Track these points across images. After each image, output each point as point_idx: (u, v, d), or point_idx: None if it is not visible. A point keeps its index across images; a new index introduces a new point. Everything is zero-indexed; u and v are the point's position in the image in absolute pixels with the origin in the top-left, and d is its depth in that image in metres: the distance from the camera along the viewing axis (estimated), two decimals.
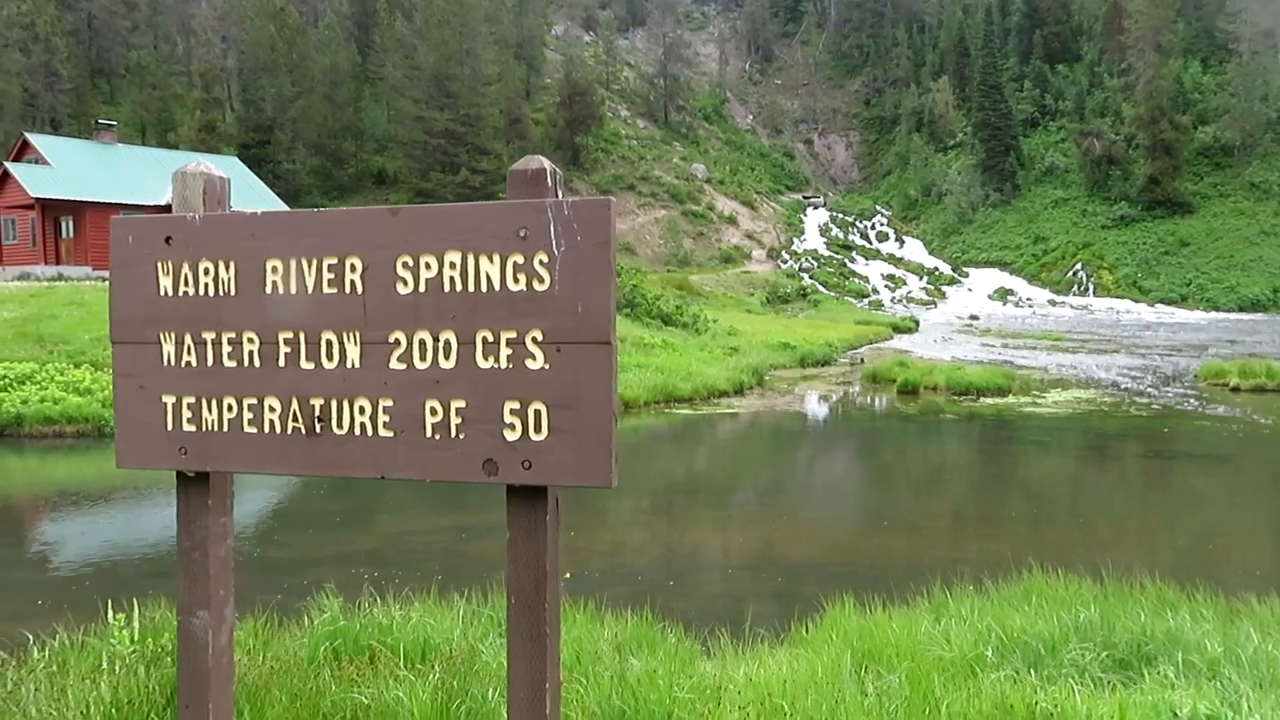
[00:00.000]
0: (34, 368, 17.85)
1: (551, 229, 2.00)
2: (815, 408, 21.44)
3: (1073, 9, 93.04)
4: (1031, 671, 4.54)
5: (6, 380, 17.19)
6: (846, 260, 76.35)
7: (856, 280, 72.06)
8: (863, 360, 29.22)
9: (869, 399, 21.87)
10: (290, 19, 70.38)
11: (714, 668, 4.63)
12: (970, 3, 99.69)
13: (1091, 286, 67.31)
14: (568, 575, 5.94)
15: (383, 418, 2.13)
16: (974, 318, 57.49)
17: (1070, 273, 69.34)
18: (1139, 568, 6.91)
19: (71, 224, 37.12)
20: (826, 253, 77.40)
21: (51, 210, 36.59)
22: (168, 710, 3.47)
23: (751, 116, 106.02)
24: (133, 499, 12.09)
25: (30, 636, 4.98)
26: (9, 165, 37.21)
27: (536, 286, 2.01)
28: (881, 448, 17.21)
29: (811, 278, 70.08)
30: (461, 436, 2.07)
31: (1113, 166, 74.07)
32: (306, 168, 65.29)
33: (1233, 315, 57.37)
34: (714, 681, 4.01)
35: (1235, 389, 21.28)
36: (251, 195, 42.79)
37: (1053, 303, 65.62)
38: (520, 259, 2.02)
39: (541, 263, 2.01)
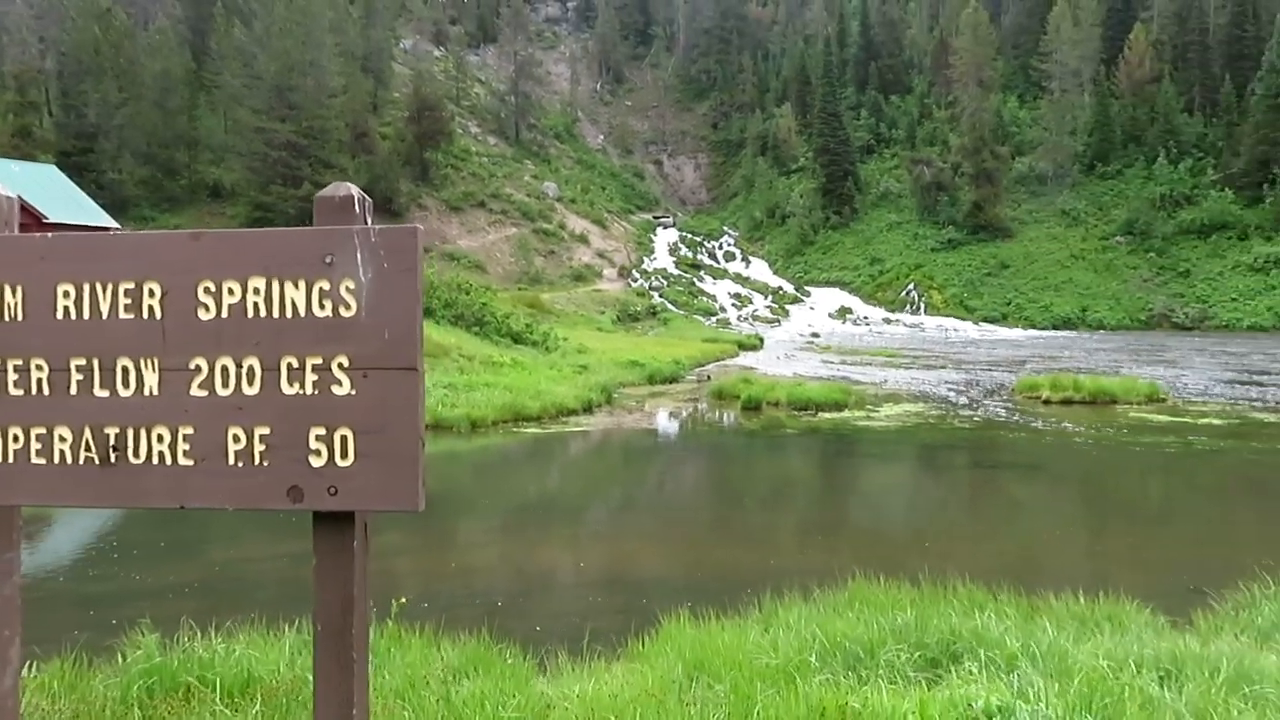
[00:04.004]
0: None
1: (358, 256, 2.01)
2: (662, 425, 21.79)
3: (904, 44, 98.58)
4: (850, 674, 4.78)
5: None
6: (695, 279, 77.96)
7: (705, 299, 73.66)
8: (709, 377, 29.90)
9: (714, 415, 22.41)
10: (117, 21, 66.55)
11: (549, 686, 4.67)
12: (811, 34, 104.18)
13: (923, 305, 71.08)
14: (403, 600, 5.85)
15: (183, 446, 2.08)
16: (815, 335, 59.70)
17: (904, 292, 73.03)
18: (954, 571, 7.37)
19: None
20: (676, 271, 78.83)
21: None
22: None
23: (602, 136, 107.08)
24: None
25: None
26: None
27: (343, 313, 2.02)
28: (724, 463, 17.66)
29: (661, 296, 71.19)
30: (265, 464, 2.05)
31: (941, 192, 78.61)
32: (135, 178, 61.77)
33: (1047, 332, 61.70)
34: (544, 700, 4.05)
35: (1047, 401, 22.91)
36: (72, 205, 40.14)
37: (888, 320, 68.87)
38: (326, 285, 2.03)
39: (348, 289, 2.02)
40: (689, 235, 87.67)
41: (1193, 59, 79.56)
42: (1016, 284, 70.64)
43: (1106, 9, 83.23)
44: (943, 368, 34.44)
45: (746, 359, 39.50)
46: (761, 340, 51.29)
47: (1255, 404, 22.71)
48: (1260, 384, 27.54)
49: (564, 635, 6.71)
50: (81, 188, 45.57)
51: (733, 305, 73.22)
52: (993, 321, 66.56)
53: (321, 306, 2.03)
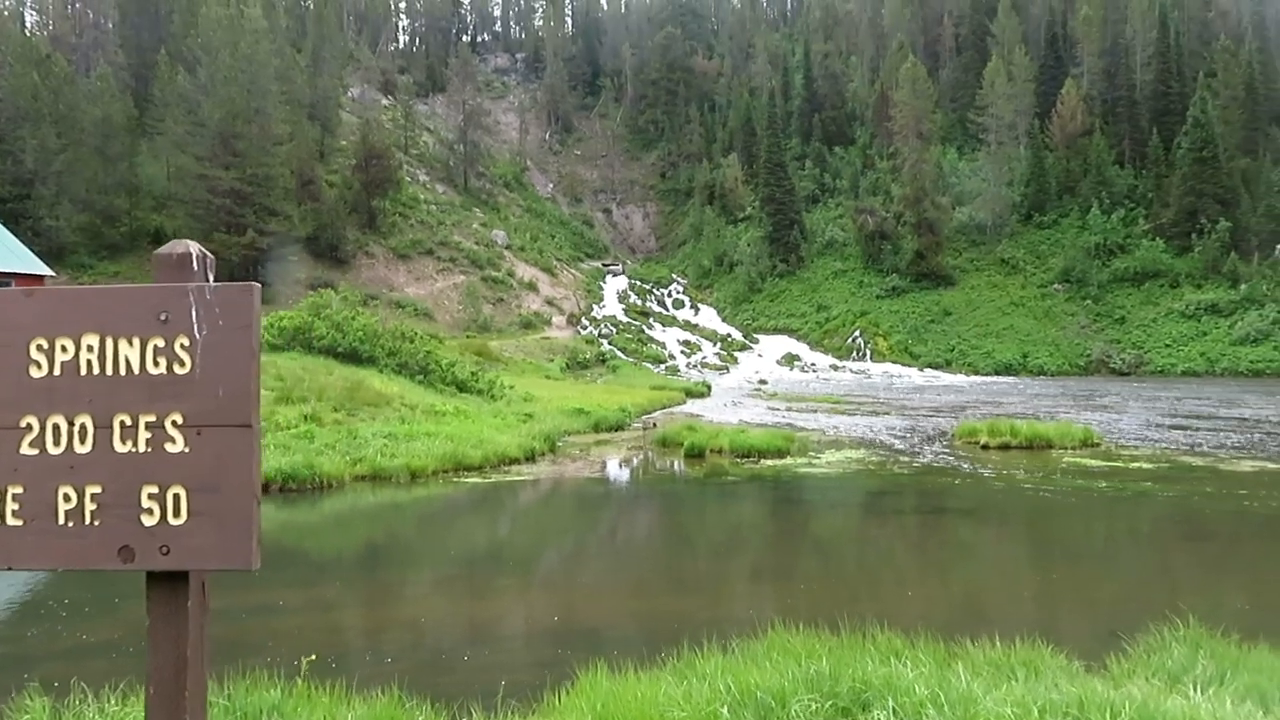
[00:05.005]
0: None
1: (194, 313, 2.00)
2: (603, 473, 21.71)
3: (846, 96, 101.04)
4: None
5: None
6: (644, 326, 78.31)
7: (654, 346, 73.95)
8: (655, 425, 29.90)
9: (657, 463, 22.38)
10: (56, 67, 65.79)
11: None
12: (756, 86, 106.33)
13: (868, 352, 72.03)
14: (312, 657, 5.71)
15: (11, 505, 2.03)
16: (763, 382, 60.10)
17: (850, 339, 73.98)
18: (883, 616, 7.39)
19: None
20: (625, 319, 79.13)
21: None
22: None
23: (551, 185, 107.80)
24: None
25: None
26: None
27: (177, 370, 2.00)
28: (665, 512, 17.62)
29: (610, 344, 71.31)
30: (96, 523, 2.01)
31: (884, 241, 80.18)
32: (73, 225, 60.71)
33: (989, 378, 62.79)
34: None
35: (985, 446, 23.24)
36: (5, 252, 39.32)
37: (835, 367, 69.62)
38: (161, 342, 2.01)
39: (183, 346, 2.00)
40: (638, 283, 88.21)
41: (1122, 113, 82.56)
42: (959, 331, 71.99)
43: (1039, 65, 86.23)
44: (886, 414, 34.83)
45: (694, 406, 39.60)
46: (709, 387, 51.49)
47: (1185, 448, 23.26)
48: (1191, 428, 28.25)
49: (485, 690, 6.61)
50: (17, 235, 44.73)
51: (682, 352, 73.58)
52: (937, 368, 67.60)
53: (155, 364, 2.01)
